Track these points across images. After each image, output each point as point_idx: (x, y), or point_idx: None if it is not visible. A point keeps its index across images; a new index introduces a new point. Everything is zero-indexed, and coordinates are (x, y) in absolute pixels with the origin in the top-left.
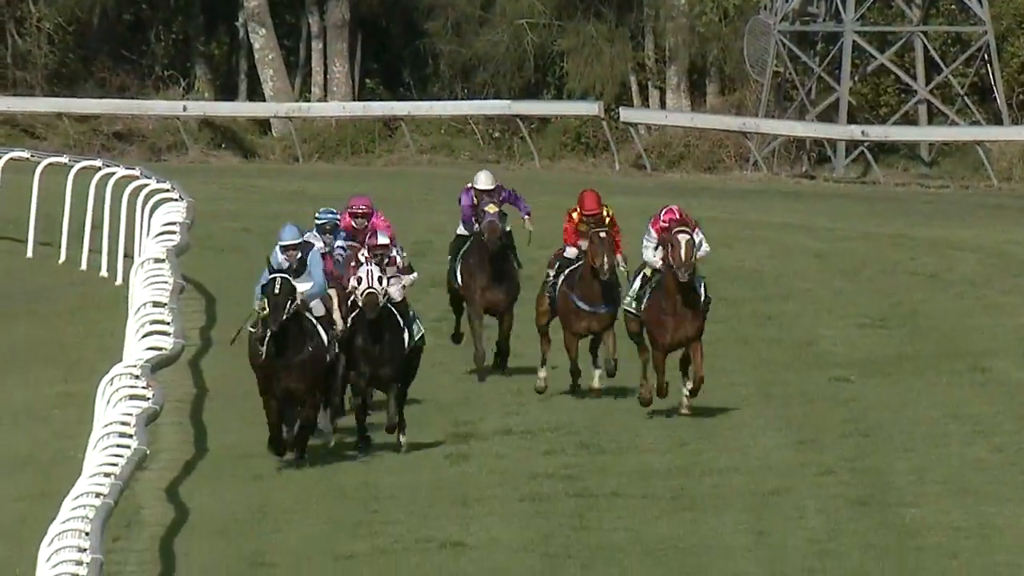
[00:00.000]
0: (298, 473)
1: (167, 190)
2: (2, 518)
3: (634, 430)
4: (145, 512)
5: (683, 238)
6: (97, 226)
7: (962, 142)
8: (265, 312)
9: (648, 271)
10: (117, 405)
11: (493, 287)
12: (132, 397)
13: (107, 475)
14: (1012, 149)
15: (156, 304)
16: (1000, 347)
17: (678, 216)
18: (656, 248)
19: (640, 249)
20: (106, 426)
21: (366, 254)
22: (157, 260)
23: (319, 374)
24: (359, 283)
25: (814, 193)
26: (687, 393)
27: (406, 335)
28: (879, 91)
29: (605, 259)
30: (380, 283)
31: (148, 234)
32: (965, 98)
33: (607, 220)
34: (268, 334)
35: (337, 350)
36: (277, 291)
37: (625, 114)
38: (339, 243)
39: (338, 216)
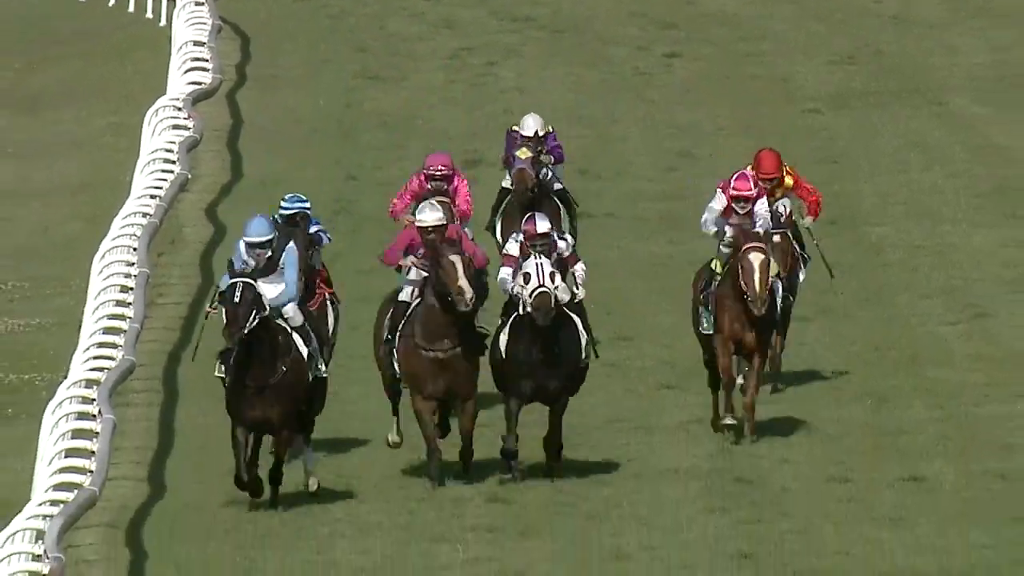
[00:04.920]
0: (317, 193)
1: None
2: (58, 237)
3: (627, 158)
4: (187, 231)
5: (756, 259)
6: None
7: None
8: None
9: (718, 265)
10: (162, 134)
11: None
12: (175, 127)
13: (152, 197)
14: None
15: (196, 43)
16: (957, 84)
17: (750, 188)
18: (720, 221)
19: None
20: (151, 153)
21: (520, 239)
22: (197, 3)
23: (295, 399)
24: (527, 280)
25: None
26: (742, 417)
27: (582, 337)
28: None
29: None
30: (553, 280)
31: None
32: None
33: (787, 181)
34: (231, 352)
35: (323, 367)
36: (237, 299)
37: None
38: (315, 228)
39: (308, 205)
